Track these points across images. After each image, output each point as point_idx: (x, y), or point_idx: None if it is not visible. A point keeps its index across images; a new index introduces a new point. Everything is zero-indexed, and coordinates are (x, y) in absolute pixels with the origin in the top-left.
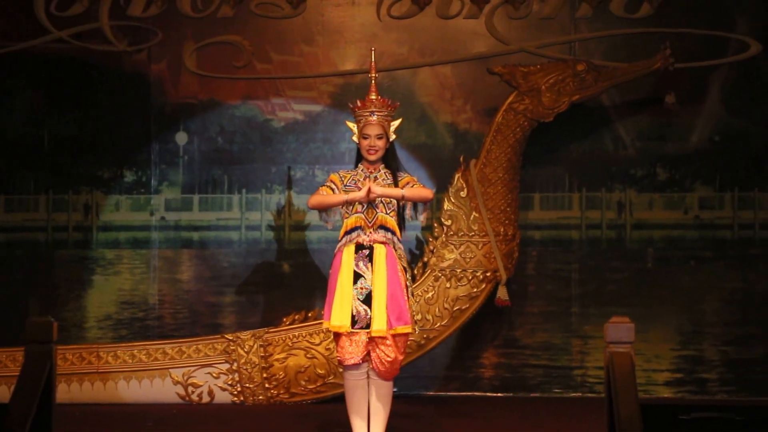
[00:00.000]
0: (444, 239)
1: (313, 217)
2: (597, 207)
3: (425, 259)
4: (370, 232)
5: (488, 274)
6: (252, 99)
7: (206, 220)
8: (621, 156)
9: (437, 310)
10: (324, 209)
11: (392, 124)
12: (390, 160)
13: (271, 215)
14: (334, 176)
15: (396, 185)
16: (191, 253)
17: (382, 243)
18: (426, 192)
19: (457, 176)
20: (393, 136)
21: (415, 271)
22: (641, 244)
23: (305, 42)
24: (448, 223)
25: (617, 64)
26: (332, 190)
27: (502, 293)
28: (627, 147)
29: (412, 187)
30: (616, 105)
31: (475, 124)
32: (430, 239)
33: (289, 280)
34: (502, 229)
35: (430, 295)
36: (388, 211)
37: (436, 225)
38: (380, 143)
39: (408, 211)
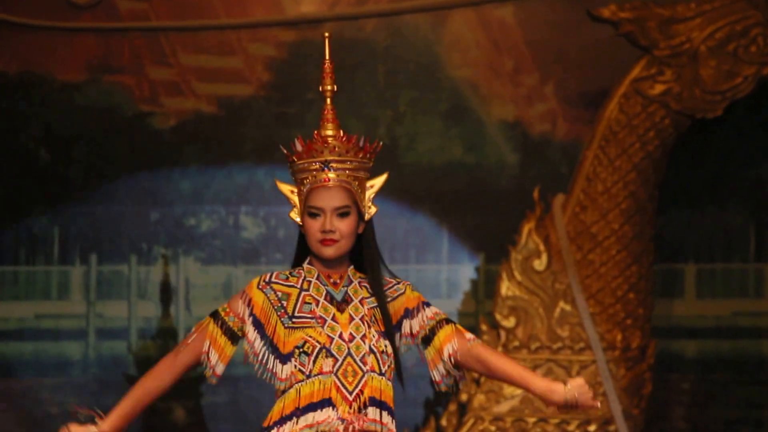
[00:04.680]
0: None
1: None
2: None
3: (462, 398)
4: (354, 417)
5: (592, 429)
6: (111, 72)
7: (14, 319)
8: None
9: None
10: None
11: (369, 184)
12: (367, 257)
13: (149, 309)
14: (253, 291)
15: (385, 311)
16: None
17: None
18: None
19: (526, 230)
20: (372, 211)
21: (443, 422)
22: None
23: None
24: (510, 324)
25: None
26: (229, 330)
27: None
28: None
29: (466, 338)
30: None
31: (563, 123)
32: None
33: None
34: (619, 337)
35: None
36: (384, 366)
37: (484, 328)
38: (344, 226)
39: (440, 372)
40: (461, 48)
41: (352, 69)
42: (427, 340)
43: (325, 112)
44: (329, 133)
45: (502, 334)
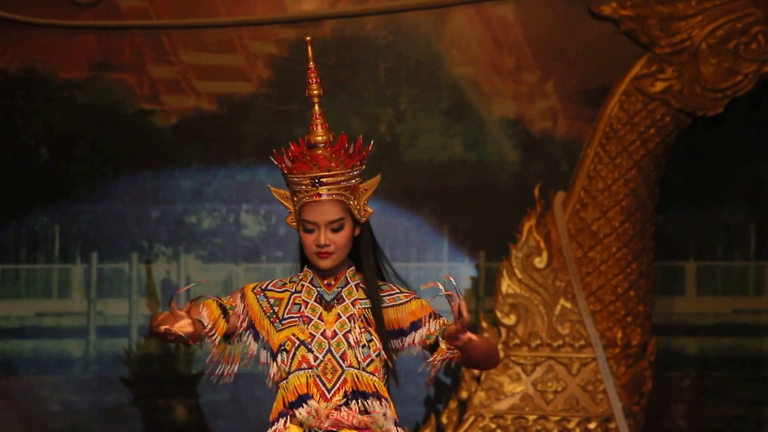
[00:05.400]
0: (502, 354)
1: None
2: None
3: (463, 396)
4: (341, 412)
5: (592, 426)
6: (112, 70)
7: (15, 317)
8: None
9: None
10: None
11: (364, 188)
12: (364, 259)
13: (149, 307)
14: (249, 291)
15: (376, 311)
16: None
17: None
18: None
19: (527, 228)
20: (367, 213)
21: (444, 419)
22: None
23: None
24: (511, 321)
25: None
26: (222, 312)
27: None
28: None
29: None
30: None
31: (564, 121)
32: None
33: None
34: (619, 335)
35: None
36: (365, 361)
37: (485, 325)
38: (339, 238)
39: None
40: (462, 45)
41: (352, 67)
42: (434, 347)
43: (314, 117)
44: (318, 139)
45: (503, 331)
